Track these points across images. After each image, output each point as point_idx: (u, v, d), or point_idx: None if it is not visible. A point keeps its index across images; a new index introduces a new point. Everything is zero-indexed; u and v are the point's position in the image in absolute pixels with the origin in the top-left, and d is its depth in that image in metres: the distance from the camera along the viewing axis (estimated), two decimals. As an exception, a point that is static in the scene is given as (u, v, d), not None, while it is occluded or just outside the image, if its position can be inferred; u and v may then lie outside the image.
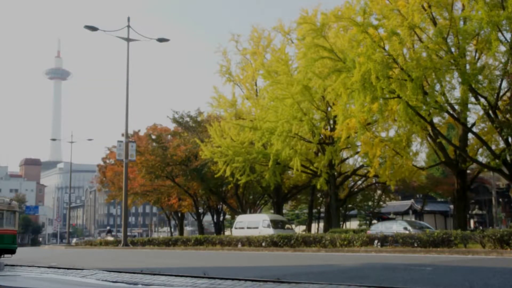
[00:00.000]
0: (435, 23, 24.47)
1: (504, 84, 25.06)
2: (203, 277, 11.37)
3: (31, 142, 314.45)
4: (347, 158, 37.51)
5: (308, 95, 30.10)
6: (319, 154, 34.14)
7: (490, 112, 24.58)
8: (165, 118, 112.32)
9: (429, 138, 29.02)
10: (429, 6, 24.27)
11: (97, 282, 10.72)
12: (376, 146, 27.66)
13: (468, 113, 26.39)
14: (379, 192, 48.47)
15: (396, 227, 26.47)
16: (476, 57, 25.35)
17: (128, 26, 34.56)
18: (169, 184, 48.47)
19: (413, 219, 47.48)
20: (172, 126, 49.86)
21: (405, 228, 25.76)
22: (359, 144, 32.12)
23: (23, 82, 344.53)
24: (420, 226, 27.04)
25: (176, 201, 51.89)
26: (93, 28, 32.79)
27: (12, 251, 19.53)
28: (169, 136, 49.53)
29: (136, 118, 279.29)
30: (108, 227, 57.54)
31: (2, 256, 19.45)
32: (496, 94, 24.36)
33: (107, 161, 56.81)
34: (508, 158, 24.59)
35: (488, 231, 19.75)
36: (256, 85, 39.75)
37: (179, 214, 59.35)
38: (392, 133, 30.47)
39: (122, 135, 39.23)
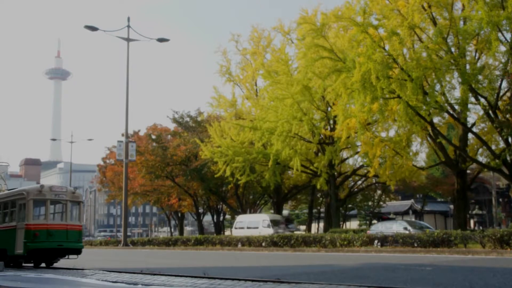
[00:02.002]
0: (435, 23, 24.46)
1: (504, 84, 25.06)
2: (203, 277, 11.37)
3: (31, 142, 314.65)
4: (347, 158, 37.51)
5: (308, 95, 30.10)
6: (319, 154, 34.13)
7: (490, 112, 24.57)
8: (165, 118, 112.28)
9: (429, 138, 29.00)
10: (429, 6, 24.27)
11: (97, 282, 10.72)
12: (376, 146, 27.65)
13: (468, 113, 26.38)
14: (379, 192, 48.45)
15: (396, 227, 26.46)
16: (476, 57, 25.35)
17: (128, 26, 34.52)
18: (169, 184, 48.47)
19: (413, 219, 47.47)
20: (172, 126, 49.92)
21: (405, 228, 25.75)
22: (359, 144, 32.11)
23: (23, 82, 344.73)
24: (420, 226, 27.03)
25: (176, 201, 51.88)
26: (93, 28, 32.75)
27: (78, 251, 16.33)
28: (169, 136, 49.52)
29: (136, 118, 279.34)
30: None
31: (67, 257, 16.36)
32: (496, 94, 24.35)
33: (107, 161, 56.82)
34: (508, 158, 24.58)
35: (488, 231, 19.76)
36: (256, 85, 39.78)
37: (179, 214, 59.35)
38: (392, 133, 30.51)
39: (122, 135, 39.23)
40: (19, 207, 16.05)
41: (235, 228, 36.76)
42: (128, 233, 55.13)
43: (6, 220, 16.99)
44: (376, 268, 13.57)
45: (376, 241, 23.36)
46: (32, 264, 16.69)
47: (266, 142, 33.48)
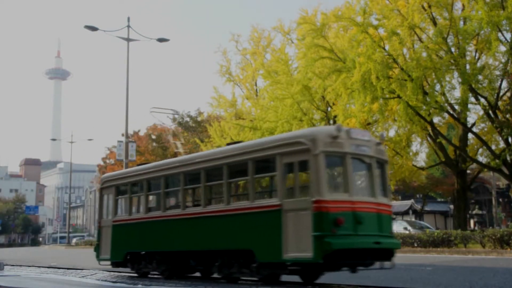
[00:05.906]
0: (435, 23, 24.45)
1: (504, 84, 25.05)
2: (203, 278, 11.37)
3: (31, 142, 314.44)
4: (347, 158, 37.40)
5: (308, 95, 30.07)
6: (319, 154, 34.05)
7: (490, 112, 24.55)
8: (165, 118, 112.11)
9: (429, 138, 28.98)
10: (429, 6, 24.26)
11: (97, 282, 10.72)
12: (376, 146, 27.56)
13: (468, 113, 26.33)
14: (379, 192, 48.32)
15: (396, 227, 26.46)
16: (476, 57, 25.32)
17: (128, 26, 34.43)
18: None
19: (413, 219, 47.44)
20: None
21: (405, 228, 25.77)
22: (359, 144, 32.01)
23: (23, 82, 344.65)
24: (420, 226, 27.06)
25: (176, 201, 51.82)
26: (93, 28, 32.67)
27: (392, 253, 9.06)
28: (169, 136, 49.55)
29: (136, 118, 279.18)
30: None
31: (376, 264, 9.10)
32: (496, 94, 24.33)
33: (107, 161, 56.89)
34: (508, 158, 24.55)
35: (488, 231, 19.78)
36: (256, 85, 39.72)
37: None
38: (392, 133, 30.44)
39: (122, 135, 39.15)
40: (286, 168, 8.82)
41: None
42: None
43: (247, 195, 9.64)
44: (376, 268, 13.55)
45: (376, 241, 23.30)
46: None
47: (266, 142, 33.42)
